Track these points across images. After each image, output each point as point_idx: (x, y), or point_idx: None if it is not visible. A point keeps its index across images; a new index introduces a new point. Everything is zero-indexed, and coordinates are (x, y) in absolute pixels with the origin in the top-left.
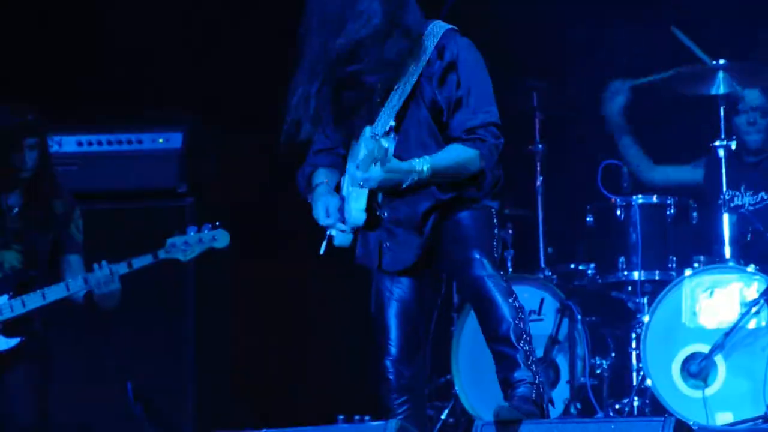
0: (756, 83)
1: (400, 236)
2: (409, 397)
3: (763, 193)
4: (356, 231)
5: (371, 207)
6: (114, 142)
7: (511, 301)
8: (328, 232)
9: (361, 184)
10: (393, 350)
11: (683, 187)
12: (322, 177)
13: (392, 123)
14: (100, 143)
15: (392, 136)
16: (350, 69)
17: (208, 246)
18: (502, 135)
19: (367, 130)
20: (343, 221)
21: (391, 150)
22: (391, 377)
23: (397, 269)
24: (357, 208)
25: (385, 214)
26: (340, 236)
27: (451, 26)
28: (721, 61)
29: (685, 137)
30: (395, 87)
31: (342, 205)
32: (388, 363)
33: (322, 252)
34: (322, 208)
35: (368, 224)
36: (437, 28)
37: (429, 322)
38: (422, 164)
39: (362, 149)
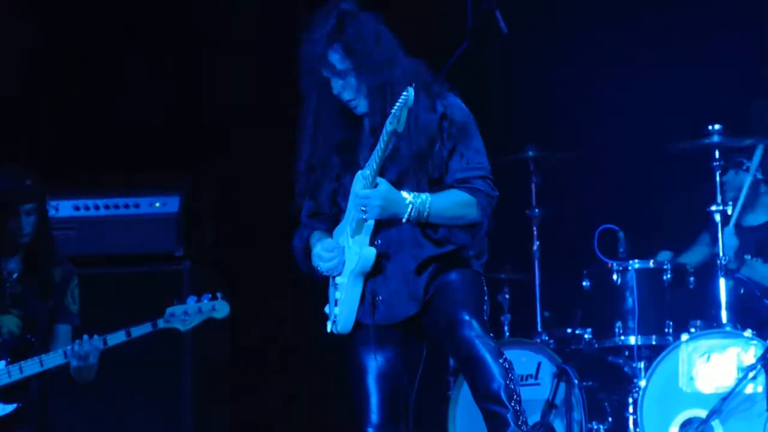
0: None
1: (394, 288)
2: None
3: (761, 260)
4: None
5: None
6: (111, 207)
7: (501, 361)
8: (330, 319)
9: (364, 208)
10: (374, 417)
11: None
12: (320, 236)
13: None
14: (97, 207)
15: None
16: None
17: (208, 316)
18: (496, 189)
19: (358, 173)
20: (340, 269)
21: (412, 96)
22: None
23: (391, 322)
24: (363, 246)
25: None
26: (342, 317)
27: None
28: (717, 126)
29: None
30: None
31: (340, 247)
32: (369, 430)
33: (328, 330)
34: (321, 250)
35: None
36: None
37: (412, 386)
38: (423, 199)
39: (354, 191)
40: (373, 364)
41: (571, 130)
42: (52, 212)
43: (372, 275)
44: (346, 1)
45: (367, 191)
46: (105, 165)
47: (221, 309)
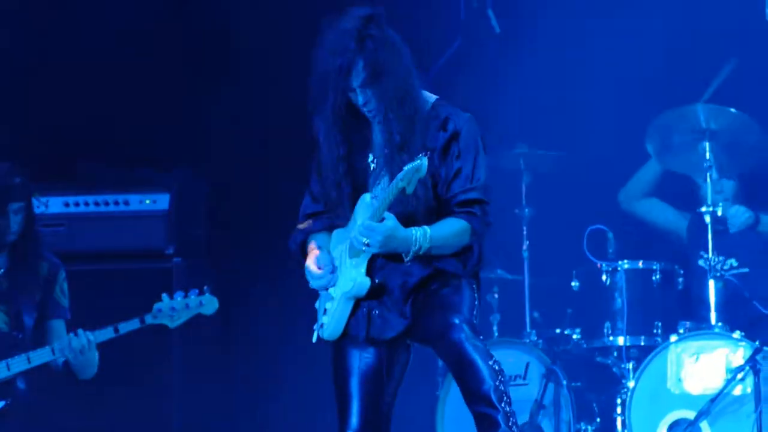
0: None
1: (389, 304)
2: None
3: (732, 261)
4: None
5: (370, 274)
6: (101, 203)
7: (491, 363)
8: (318, 324)
9: (366, 241)
10: (354, 422)
11: (664, 231)
12: (317, 243)
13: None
14: (87, 204)
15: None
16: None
17: (196, 312)
18: (492, 215)
19: (366, 197)
20: (334, 281)
21: (425, 167)
22: None
23: (385, 337)
24: (360, 273)
25: (376, 281)
26: (330, 327)
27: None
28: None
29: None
30: None
31: (333, 262)
32: None
33: (314, 341)
34: (312, 264)
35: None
36: (434, 100)
37: (395, 391)
38: (423, 233)
39: (359, 217)
40: (358, 368)
41: (561, 129)
42: (42, 208)
43: (369, 293)
44: (367, 12)
45: (372, 224)
46: (96, 162)
47: (209, 304)
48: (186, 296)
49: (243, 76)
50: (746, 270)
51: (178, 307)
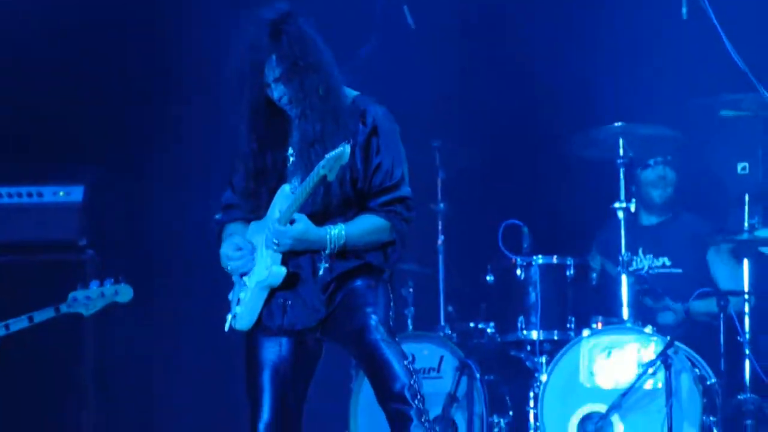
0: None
1: (305, 295)
2: None
3: (665, 259)
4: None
5: (286, 264)
6: (14, 195)
7: (405, 363)
8: (231, 313)
9: (276, 241)
10: (266, 415)
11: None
12: (232, 230)
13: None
14: (0, 195)
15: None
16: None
17: (111, 300)
18: (414, 208)
19: (286, 187)
20: (250, 266)
21: (347, 154)
22: None
23: (298, 328)
24: (275, 263)
25: (292, 270)
26: (244, 317)
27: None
28: (619, 124)
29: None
30: None
31: (252, 247)
32: (261, 428)
33: (226, 329)
34: (230, 248)
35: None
36: (355, 95)
37: (307, 385)
38: (338, 232)
39: (276, 208)
40: (271, 360)
41: (476, 124)
42: None
43: (284, 281)
44: (282, 8)
45: (282, 228)
46: (9, 152)
47: (124, 293)
48: (101, 285)
49: (173, 75)
50: (679, 270)
51: (93, 296)
